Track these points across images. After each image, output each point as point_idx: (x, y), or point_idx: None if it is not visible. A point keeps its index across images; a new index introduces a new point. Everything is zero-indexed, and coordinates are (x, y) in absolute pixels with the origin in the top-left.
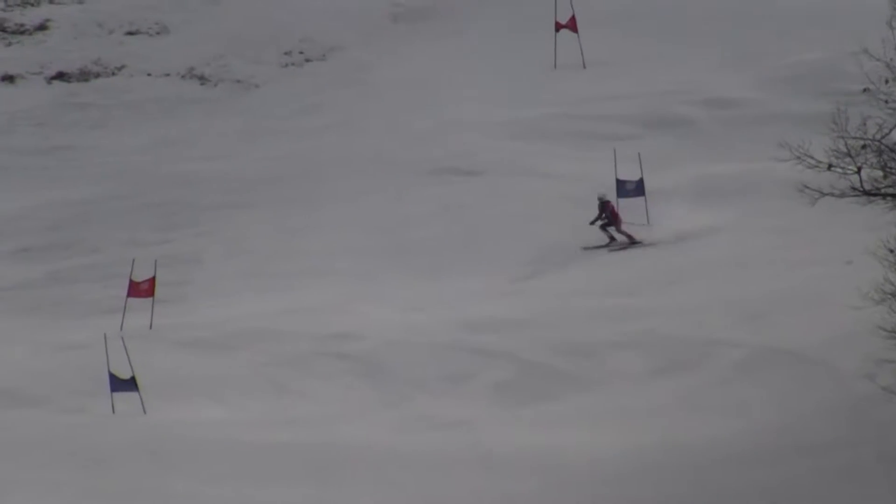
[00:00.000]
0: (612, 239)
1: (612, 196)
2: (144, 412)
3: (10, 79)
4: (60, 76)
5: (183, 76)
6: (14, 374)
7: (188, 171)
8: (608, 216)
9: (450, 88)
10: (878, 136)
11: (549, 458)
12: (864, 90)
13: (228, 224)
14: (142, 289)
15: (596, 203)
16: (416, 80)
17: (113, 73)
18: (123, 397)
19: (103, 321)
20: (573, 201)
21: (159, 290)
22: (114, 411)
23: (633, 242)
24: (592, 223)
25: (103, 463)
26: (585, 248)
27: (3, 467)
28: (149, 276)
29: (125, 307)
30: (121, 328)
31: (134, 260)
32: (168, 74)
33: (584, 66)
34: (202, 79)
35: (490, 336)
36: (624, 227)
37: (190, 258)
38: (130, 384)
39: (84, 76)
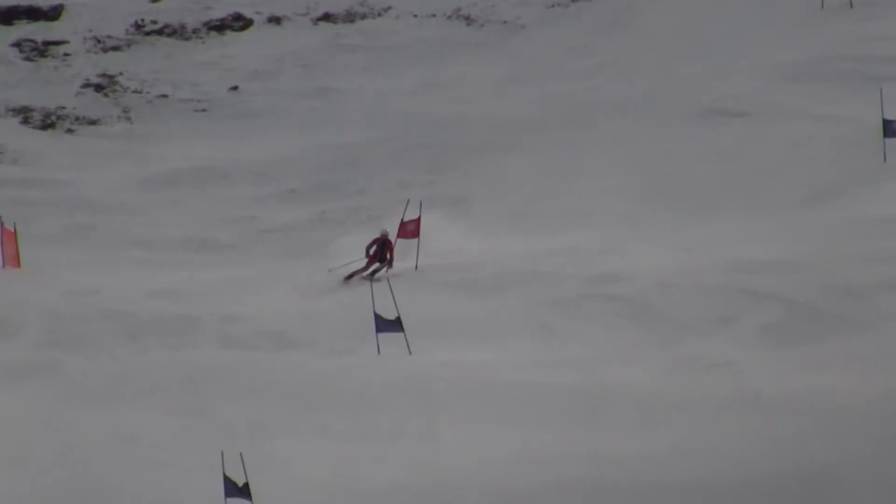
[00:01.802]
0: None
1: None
2: (410, 353)
3: (276, 20)
4: (326, 17)
5: (449, 17)
6: (282, 316)
7: (454, 113)
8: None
9: (717, 33)
10: None
11: (820, 400)
12: None
13: (494, 166)
14: (409, 230)
15: None
16: (683, 24)
17: (379, 15)
18: (389, 338)
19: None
20: (841, 142)
21: (424, 232)
22: (379, 352)
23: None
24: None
25: (370, 404)
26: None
27: (271, 410)
28: (415, 216)
29: (394, 247)
30: (387, 269)
31: (408, 200)
32: (434, 15)
33: (852, 6)
34: (468, 20)
35: (759, 277)
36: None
37: (456, 200)
38: (396, 325)
39: (350, 17)
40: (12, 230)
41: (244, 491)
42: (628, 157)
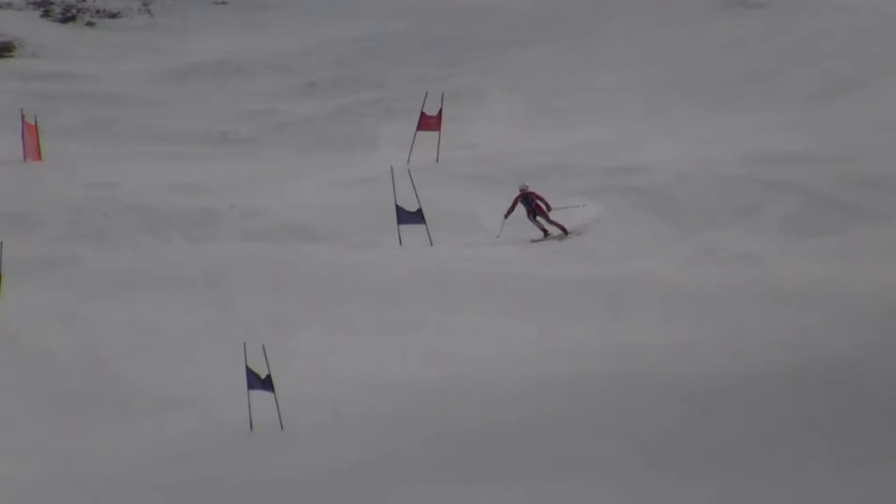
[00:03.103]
0: (545, 232)
1: None
2: (431, 244)
3: None
4: None
5: None
6: (304, 210)
7: (473, 7)
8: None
9: None
10: None
11: (839, 291)
12: None
13: (513, 60)
14: (430, 122)
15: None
16: None
17: None
18: (411, 230)
19: (390, 155)
20: (861, 34)
21: (445, 125)
22: (401, 243)
23: (565, 233)
24: (507, 216)
25: (390, 297)
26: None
27: (293, 302)
28: (436, 110)
29: (413, 140)
30: (408, 161)
31: (427, 93)
32: None
33: None
34: None
35: (778, 168)
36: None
37: (475, 94)
38: (418, 217)
39: None
40: (33, 123)
41: (266, 383)
42: (647, 51)
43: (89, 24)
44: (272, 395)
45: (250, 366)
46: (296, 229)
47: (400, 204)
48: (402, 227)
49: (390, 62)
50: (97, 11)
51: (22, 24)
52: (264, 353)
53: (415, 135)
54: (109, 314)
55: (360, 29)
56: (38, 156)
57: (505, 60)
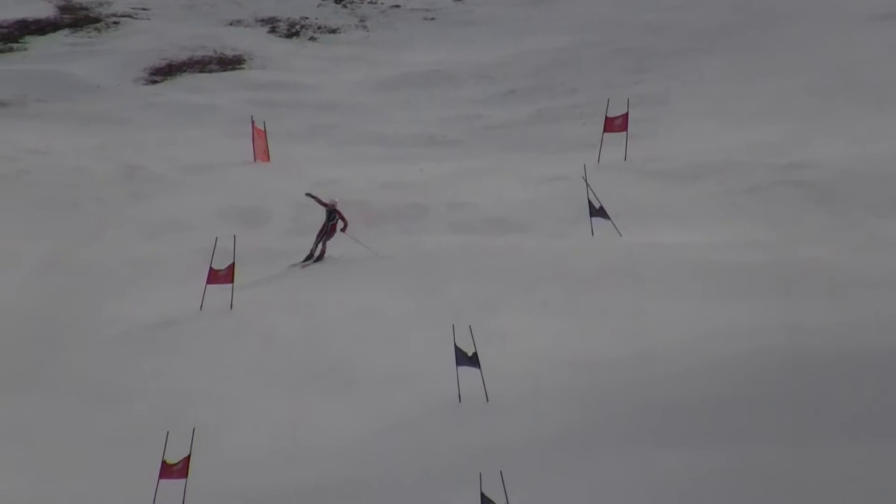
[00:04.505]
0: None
1: None
2: (620, 235)
3: None
4: None
5: None
6: (504, 204)
7: (656, 20)
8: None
9: None
10: None
11: None
12: None
13: (692, 67)
14: (616, 124)
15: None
16: None
17: None
18: (601, 223)
19: (582, 155)
20: None
21: (631, 127)
22: (593, 234)
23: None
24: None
25: (584, 283)
26: None
27: (495, 289)
28: (621, 112)
29: (602, 141)
30: (598, 161)
31: (608, 99)
32: None
33: None
34: None
35: None
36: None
37: (658, 98)
38: (602, 212)
39: None
40: (262, 129)
41: (473, 360)
42: (813, 57)
43: (311, 38)
44: (478, 371)
45: (459, 345)
46: (497, 221)
47: (591, 199)
48: (594, 219)
49: (582, 70)
50: (319, 28)
51: (251, 40)
52: (471, 333)
53: (602, 136)
54: (332, 300)
55: (556, 41)
56: (267, 157)
57: (685, 67)
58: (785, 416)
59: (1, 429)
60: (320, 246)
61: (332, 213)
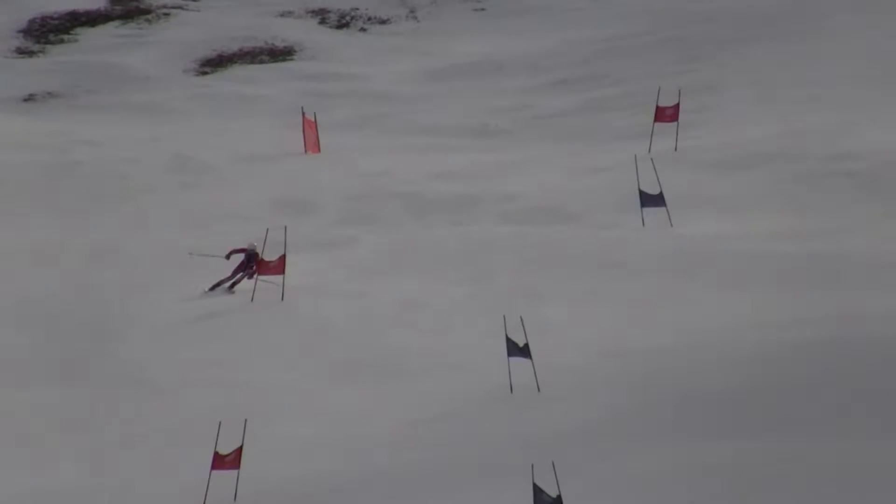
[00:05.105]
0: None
1: None
2: (671, 225)
3: None
4: None
5: None
6: (553, 193)
7: (704, 9)
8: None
9: None
10: None
11: None
12: None
13: (740, 57)
14: (667, 114)
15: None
16: None
17: None
18: (652, 212)
19: (631, 145)
20: None
21: (681, 116)
22: (643, 224)
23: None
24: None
25: (633, 273)
26: None
27: (545, 278)
28: (672, 103)
29: (652, 131)
30: (648, 150)
31: (659, 88)
32: None
33: None
34: None
35: None
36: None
37: (707, 87)
38: (658, 199)
39: None
40: (312, 119)
41: (525, 350)
42: (858, 48)
43: (361, 29)
44: (529, 361)
45: (510, 335)
46: (546, 211)
47: (642, 188)
48: (645, 209)
49: (631, 60)
50: (368, 18)
51: (301, 31)
52: (522, 323)
53: (653, 126)
54: (381, 289)
55: (605, 31)
56: (317, 148)
57: (734, 56)
58: (832, 406)
59: (51, 419)
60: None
61: (251, 258)
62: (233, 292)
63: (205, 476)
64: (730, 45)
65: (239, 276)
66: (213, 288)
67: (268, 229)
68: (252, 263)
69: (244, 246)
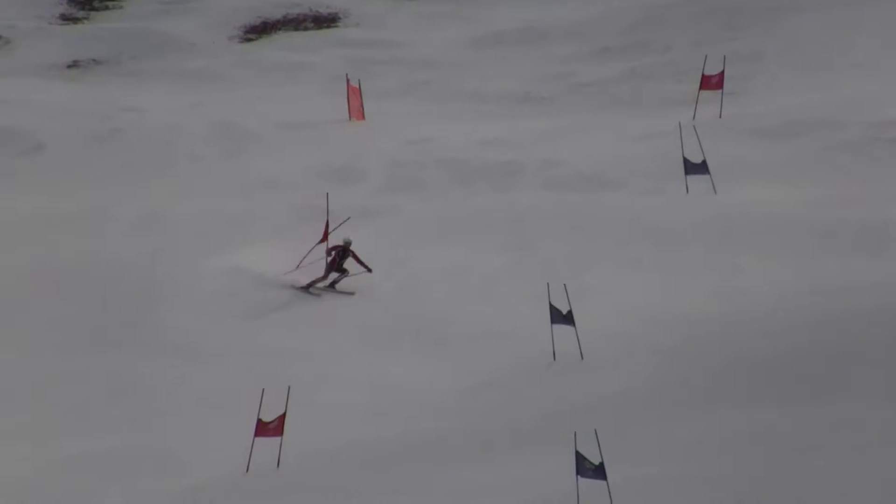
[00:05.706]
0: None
1: None
2: (715, 192)
3: None
4: None
5: None
6: (597, 161)
7: None
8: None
9: None
10: None
11: None
12: None
13: (786, 24)
14: (712, 82)
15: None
16: None
17: None
18: (696, 180)
19: (676, 112)
20: None
21: (726, 84)
22: (687, 192)
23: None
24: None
25: (677, 240)
26: None
27: (589, 245)
28: (717, 71)
29: (697, 99)
30: (693, 118)
31: (707, 56)
32: None
33: None
34: None
35: None
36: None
37: (752, 55)
38: (702, 167)
39: None
40: (357, 87)
41: (568, 317)
42: None
43: None
44: (573, 328)
45: (553, 302)
46: (591, 178)
47: (686, 156)
48: (689, 176)
49: (676, 28)
50: None
51: None
52: (566, 291)
53: (698, 93)
54: (425, 257)
55: None
56: (362, 115)
57: (779, 24)
58: (878, 374)
59: (96, 387)
60: (331, 276)
61: (346, 252)
62: (334, 290)
63: (248, 443)
64: (775, 13)
65: (337, 276)
66: (307, 287)
67: (328, 193)
68: (346, 258)
69: (339, 243)
